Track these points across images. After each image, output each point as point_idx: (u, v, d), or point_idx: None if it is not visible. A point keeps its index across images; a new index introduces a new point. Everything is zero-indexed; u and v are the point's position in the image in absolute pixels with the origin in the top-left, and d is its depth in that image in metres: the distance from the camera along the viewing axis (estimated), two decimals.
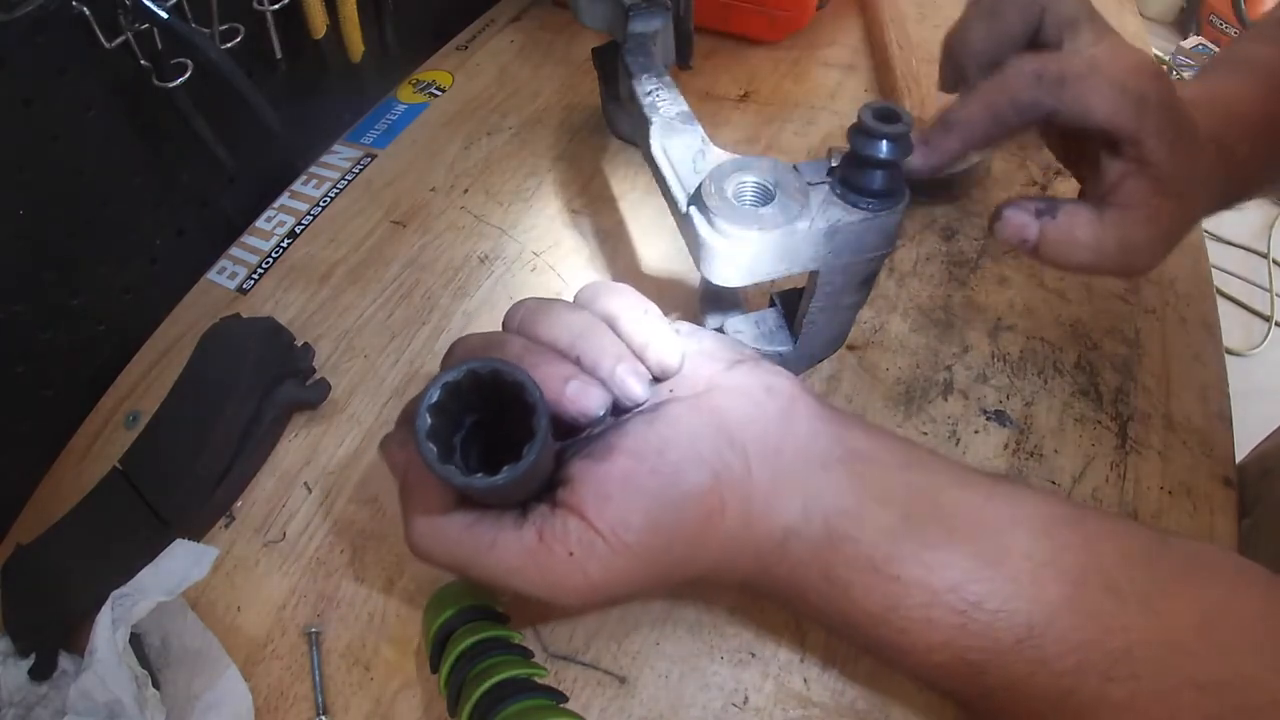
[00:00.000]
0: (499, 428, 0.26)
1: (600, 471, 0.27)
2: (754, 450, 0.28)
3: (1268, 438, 0.54)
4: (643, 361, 0.29)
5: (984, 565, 0.27)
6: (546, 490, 0.28)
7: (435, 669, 0.32)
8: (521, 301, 0.32)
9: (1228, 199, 0.37)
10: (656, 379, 0.30)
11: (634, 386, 0.29)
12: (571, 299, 0.32)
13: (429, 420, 0.23)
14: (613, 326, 0.30)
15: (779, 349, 0.40)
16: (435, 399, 0.24)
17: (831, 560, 0.28)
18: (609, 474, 0.27)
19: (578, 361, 0.29)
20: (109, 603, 0.33)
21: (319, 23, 0.54)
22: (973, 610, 0.27)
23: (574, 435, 0.29)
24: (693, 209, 0.34)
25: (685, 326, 0.33)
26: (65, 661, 0.35)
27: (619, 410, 0.29)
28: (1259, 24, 0.44)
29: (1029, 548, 0.27)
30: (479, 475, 0.23)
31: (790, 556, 0.28)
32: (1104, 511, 0.37)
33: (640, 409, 0.29)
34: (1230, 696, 0.25)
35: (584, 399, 0.28)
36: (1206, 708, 0.25)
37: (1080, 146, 0.35)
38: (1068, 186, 0.56)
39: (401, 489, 0.29)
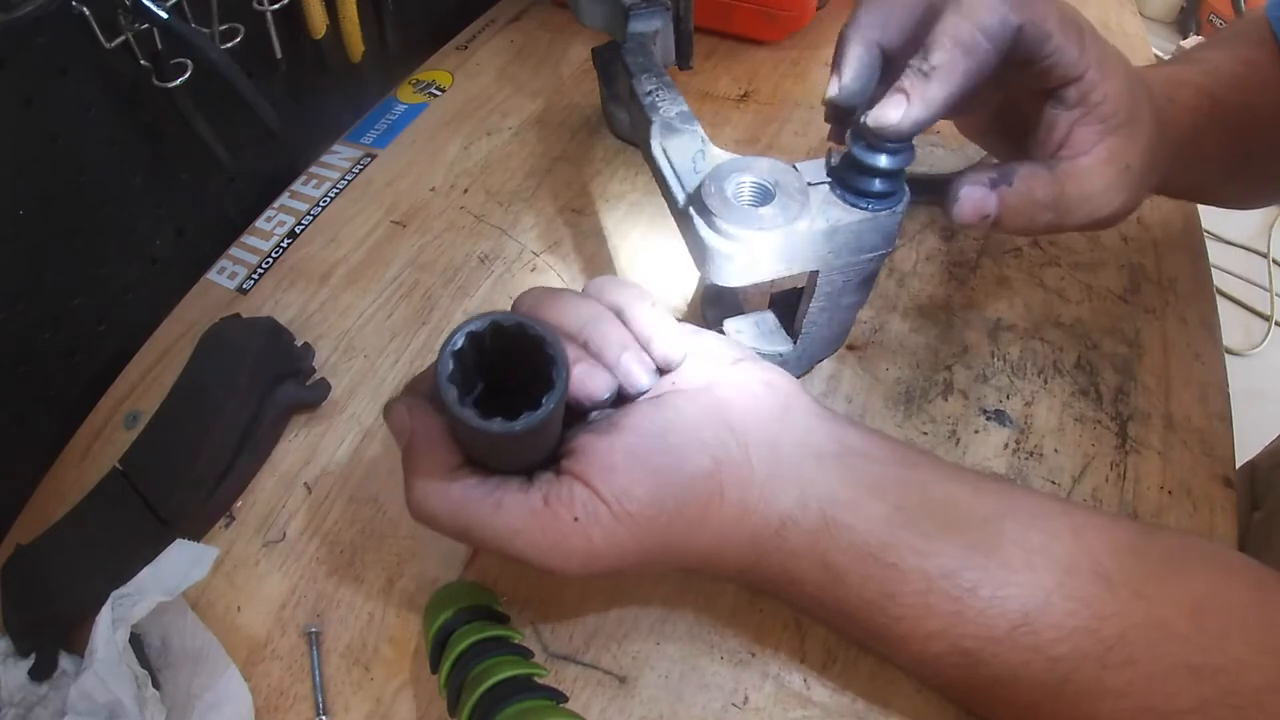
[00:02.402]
0: (507, 400, 0.26)
1: (606, 443, 0.28)
2: (753, 442, 0.29)
3: None
4: (648, 353, 0.30)
5: (977, 553, 0.28)
6: (550, 463, 0.29)
7: (435, 669, 0.32)
8: (530, 290, 0.32)
9: (1171, 173, 0.37)
10: (660, 371, 0.30)
11: (639, 374, 0.29)
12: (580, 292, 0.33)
13: (450, 365, 0.24)
14: (620, 318, 0.31)
15: (779, 349, 0.40)
16: (459, 345, 0.24)
17: (828, 548, 0.28)
18: (615, 446, 0.27)
19: (585, 347, 0.29)
20: (109, 603, 0.33)
21: (319, 23, 0.54)
22: (967, 596, 0.27)
23: (576, 420, 0.30)
24: (692, 209, 0.34)
25: (688, 326, 0.33)
26: (65, 661, 0.35)
27: (622, 400, 0.30)
28: (1215, 34, 0.45)
29: (1019, 537, 0.28)
30: (497, 420, 0.23)
31: (786, 544, 0.29)
32: (1090, 506, 0.38)
33: (644, 398, 0.29)
34: (1224, 680, 0.25)
35: (590, 382, 0.28)
36: (1201, 692, 0.25)
37: (1022, 117, 0.35)
38: None
39: (406, 452, 0.29)
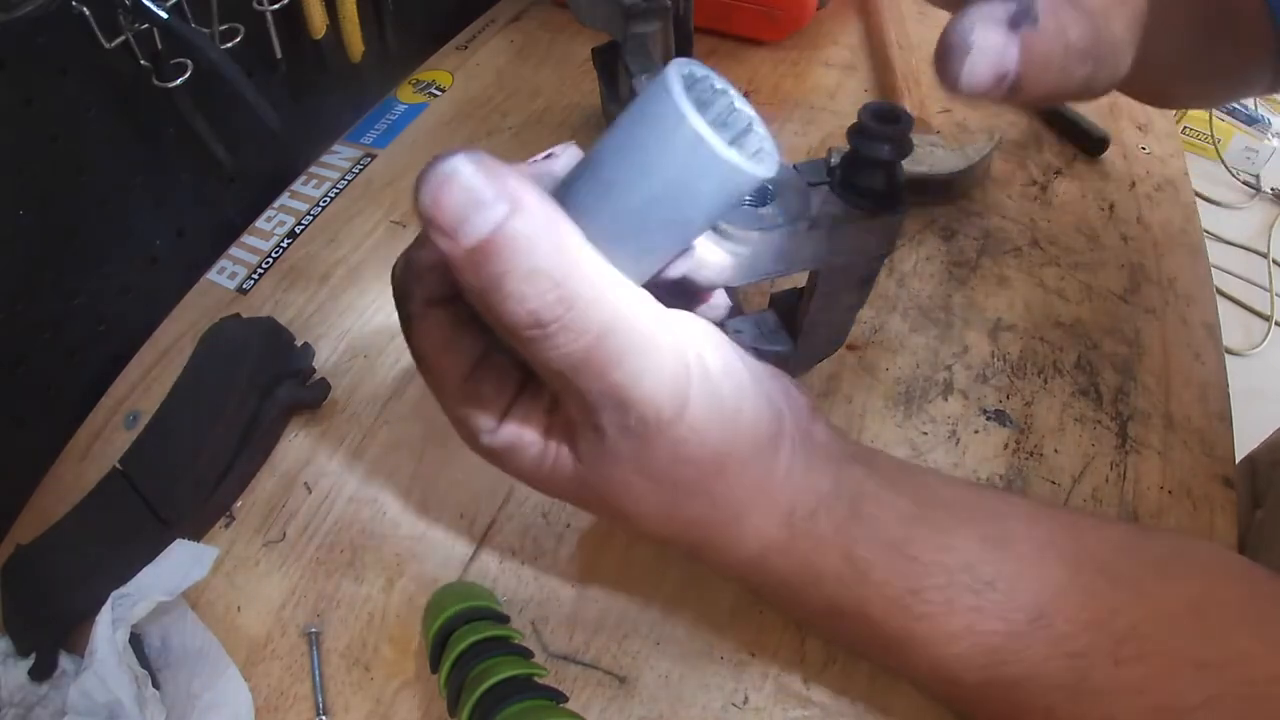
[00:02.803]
0: None
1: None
2: (790, 423, 0.28)
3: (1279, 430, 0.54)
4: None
5: (991, 547, 0.28)
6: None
7: (435, 669, 0.32)
8: None
9: (1147, 43, 0.29)
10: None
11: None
12: None
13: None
14: None
15: (779, 349, 0.40)
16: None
17: (854, 539, 0.28)
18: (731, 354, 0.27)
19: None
20: (109, 603, 0.33)
21: (319, 23, 0.54)
22: (987, 591, 0.27)
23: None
24: None
25: None
26: (65, 661, 0.35)
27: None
28: None
29: (1026, 532, 0.28)
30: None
31: (816, 530, 0.28)
32: (1082, 509, 0.38)
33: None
34: (1230, 673, 0.25)
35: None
36: (1208, 687, 0.25)
37: None
38: (1070, 187, 0.56)
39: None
